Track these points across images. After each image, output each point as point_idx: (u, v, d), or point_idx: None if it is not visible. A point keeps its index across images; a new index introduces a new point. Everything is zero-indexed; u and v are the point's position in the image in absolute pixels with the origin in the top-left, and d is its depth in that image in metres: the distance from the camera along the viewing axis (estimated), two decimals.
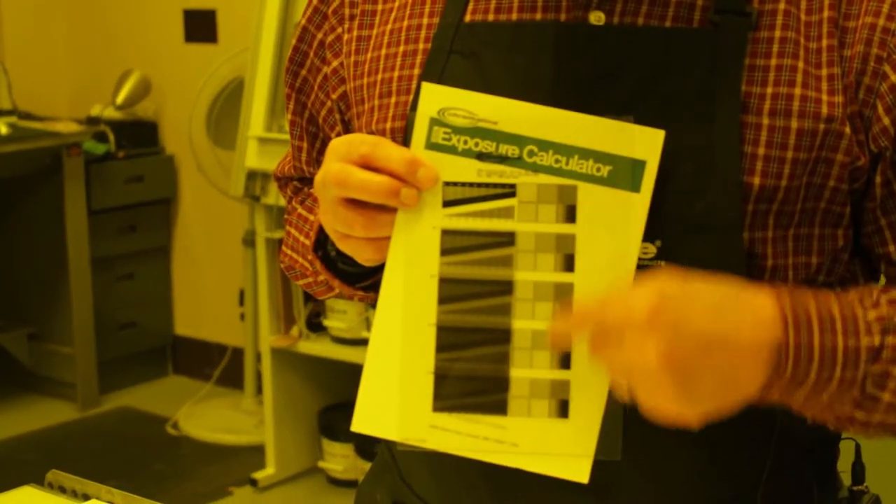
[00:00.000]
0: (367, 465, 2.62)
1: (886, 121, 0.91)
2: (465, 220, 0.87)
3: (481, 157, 0.87)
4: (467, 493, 1.01)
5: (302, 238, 1.10)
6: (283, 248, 1.15)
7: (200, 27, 4.15)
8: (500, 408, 0.87)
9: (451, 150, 0.87)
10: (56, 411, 3.97)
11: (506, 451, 0.87)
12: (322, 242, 0.99)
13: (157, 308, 4.36)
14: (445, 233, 0.87)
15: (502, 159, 0.87)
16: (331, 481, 3.33)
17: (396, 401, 0.88)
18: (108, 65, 4.33)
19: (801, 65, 0.91)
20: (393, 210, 0.87)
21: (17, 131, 3.82)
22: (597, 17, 0.93)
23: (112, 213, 4.11)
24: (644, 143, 0.85)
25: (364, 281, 1.00)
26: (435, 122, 0.86)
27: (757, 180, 0.90)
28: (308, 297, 3.39)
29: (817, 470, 1.03)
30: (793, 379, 0.84)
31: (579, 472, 0.86)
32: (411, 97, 0.98)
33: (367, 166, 0.86)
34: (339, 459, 3.31)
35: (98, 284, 4.07)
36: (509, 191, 0.87)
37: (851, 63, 0.91)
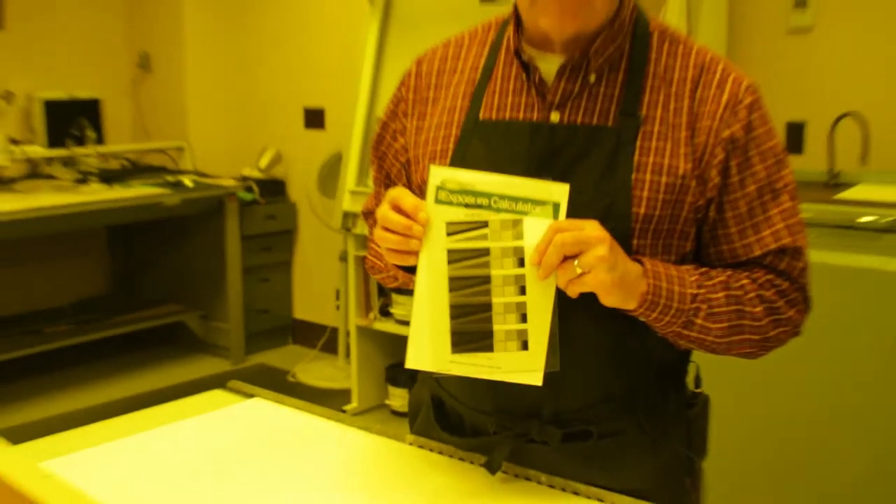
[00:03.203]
0: None
1: (717, 180, 1.09)
2: (461, 242, 0.99)
3: (467, 206, 0.99)
4: (475, 388, 1.17)
5: (379, 249, 1.17)
6: (368, 255, 1.29)
7: (314, 119, 4.57)
8: (488, 348, 1.00)
9: (449, 203, 0.99)
10: (217, 365, 4.47)
11: (493, 372, 1.01)
12: None
13: (283, 300, 4.74)
14: (450, 251, 1.00)
15: (478, 207, 0.99)
16: (392, 413, 3.79)
17: (429, 348, 1.01)
18: (254, 142, 4.78)
19: (669, 145, 1.08)
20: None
21: (197, 185, 4.26)
22: (556, 116, 1.09)
23: (255, 238, 4.50)
24: (557, 193, 0.99)
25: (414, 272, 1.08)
26: (439, 188, 1.00)
27: (642, 211, 1.07)
28: (380, 293, 3.69)
29: (675, 380, 1.21)
30: (651, 304, 1.05)
31: (536, 379, 1.00)
32: (447, 160, 1.14)
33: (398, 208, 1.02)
34: (398, 399, 3.76)
35: (246, 284, 4.48)
36: (484, 224, 0.99)
37: (699, 147, 1.08)
